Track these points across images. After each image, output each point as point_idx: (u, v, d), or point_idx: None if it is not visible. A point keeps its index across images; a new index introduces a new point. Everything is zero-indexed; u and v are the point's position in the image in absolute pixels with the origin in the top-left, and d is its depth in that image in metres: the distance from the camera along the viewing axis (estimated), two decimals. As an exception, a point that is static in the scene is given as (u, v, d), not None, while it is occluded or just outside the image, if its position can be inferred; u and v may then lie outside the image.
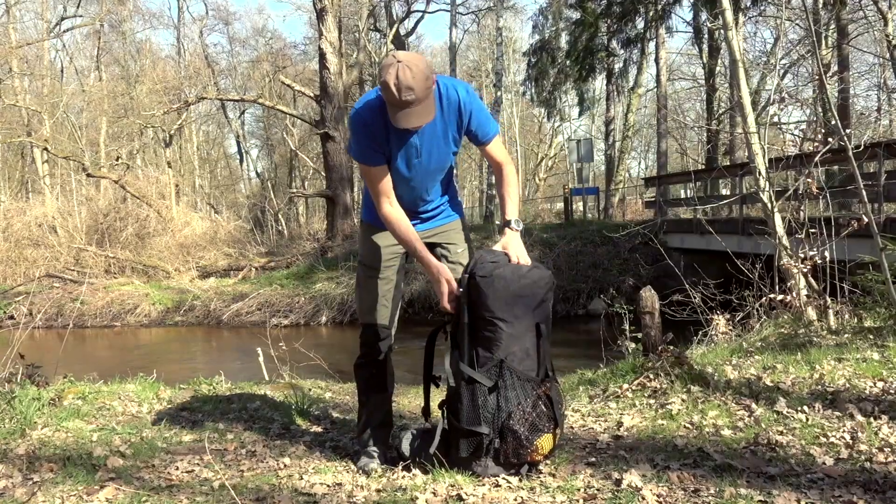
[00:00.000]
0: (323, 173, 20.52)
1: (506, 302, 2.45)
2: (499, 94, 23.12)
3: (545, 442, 2.44)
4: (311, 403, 3.98)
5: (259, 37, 35.06)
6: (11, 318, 6.12)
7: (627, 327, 4.91)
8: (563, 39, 23.80)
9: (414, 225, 2.70)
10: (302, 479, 2.64)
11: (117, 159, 23.45)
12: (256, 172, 37.26)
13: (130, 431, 3.36)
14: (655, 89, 22.28)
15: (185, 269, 17.54)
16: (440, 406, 2.66)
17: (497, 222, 17.56)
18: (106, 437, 3.25)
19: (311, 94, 18.65)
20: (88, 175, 20.70)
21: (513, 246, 2.56)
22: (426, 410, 2.77)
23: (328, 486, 2.54)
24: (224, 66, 32.86)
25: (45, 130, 22.22)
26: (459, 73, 26.67)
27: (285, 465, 2.84)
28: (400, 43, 24.57)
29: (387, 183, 2.57)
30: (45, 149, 21.44)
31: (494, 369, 2.44)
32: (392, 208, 2.58)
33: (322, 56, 17.51)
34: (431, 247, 2.75)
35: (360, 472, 2.68)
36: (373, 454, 2.78)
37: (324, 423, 3.58)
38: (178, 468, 2.81)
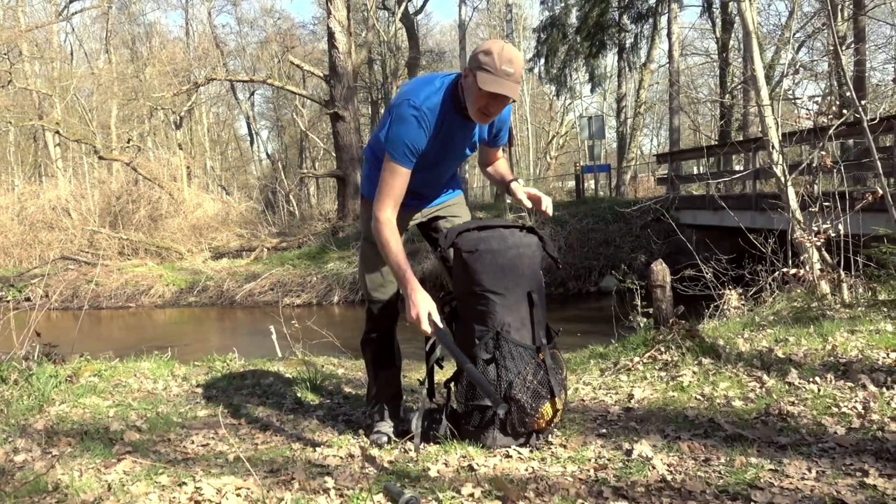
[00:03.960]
0: (333, 153, 20.50)
1: (495, 275, 2.47)
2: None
3: (549, 408, 2.45)
4: (324, 379, 4.01)
5: (267, 17, 34.91)
6: (28, 299, 6.18)
7: (639, 303, 4.90)
8: (574, 15, 23.52)
9: (421, 204, 2.74)
10: (315, 451, 2.67)
11: (128, 142, 23.51)
12: (267, 154, 37.32)
13: (146, 407, 3.41)
14: (668, 65, 21.99)
15: (197, 250, 17.67)
16: (445, 385, 2.69)
17: (507, 201, 17.51)
18: (122, 413, 3.29)
19: (321, 74, 18.58)
20: (100, 158, 20.81)
21: (532, 190, 2.68)
22: (431, 391, 2.78)
23: (341, 458, 2.57)
24: (233, 48, 32.82)
25: (57, 114, 22.30)
26: (469, 51, 26.46)
27: (299, 439, 2.87)
28: (409, 21, 24.36)
29: (403, 189, 2.48)
30: (57, 132, 21.54)
31: (491, 342, 2.46)
32: (392, 216, 2.47)
33: (331, 35, 17.41)
34: (436, 220, 2.80)
35: (373, 444, 2.71)
36: (384, 427, 2.80)
37: (336, 397, 3.61)
38: (193, 442, 2.85)
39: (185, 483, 2.28)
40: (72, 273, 15.46)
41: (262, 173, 35.77)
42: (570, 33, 23.38)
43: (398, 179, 2.46)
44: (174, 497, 2.17)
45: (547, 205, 2.64)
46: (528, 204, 2.68)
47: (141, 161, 21.11)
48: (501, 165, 2.84)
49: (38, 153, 28.44)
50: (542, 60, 24.54)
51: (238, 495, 2.16)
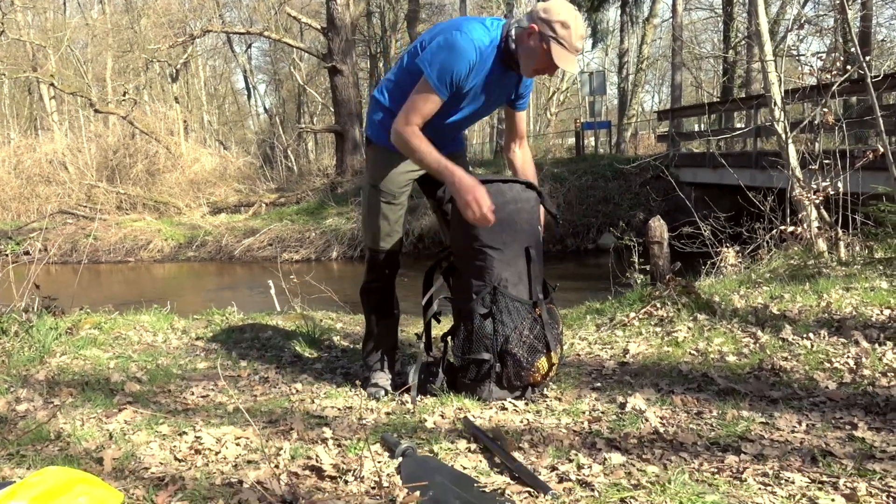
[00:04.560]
0: (331, 108, 20.29)
1: (493, 230, 2.46)
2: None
3: (544, 363, 2.48)
4: (322, 333, 4.04)
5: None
6: (27, 253, 6.19)
7: (636, 259, 4.91)
8: (578, -33, 23.00)
9: (440, 151, 2.71)
10: (314, 402, 2.70)
11: (124, 94, 23.23)
12: (265, 108, 36.90)
13: (146, 359, 3.44)
14: (671, 19, 21.62)
15: (195, 205, 17.62)
16: (442, 338, 2.71)
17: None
18: (123, 365, 3.33)
19: (318, 27, 18.25)
20: (96, 111, 20.58)
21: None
22: (428, 345, 2.80)
23: (339, 409, 2.61)
24: (229, -1, 32.11)
25: (51, 65, 21.99)
26: (470, 3, 25.92)
27: (297, 391, 2.91)
28: (408, -28, 23.83)
29: (430, 115, 2.45)
30: (52, 84, 21.27)
31: (488, 296, 2.47)
32: (417, 130, 2.45)
33: (328, -14, 17.06)
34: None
35: (370, 398, 2.74)
36: (381, 380, 2.83)
37: (334, 351, 3.65)
38: (193, 393, 2.88)
39: (185, 432, 2.32)
40: (70, 227, 15.44)
41: (259, 128, 35.45)
42: (572, -14, 22.88)
43: (429, 105, 2.41)
44: (175, 446, 2.21)
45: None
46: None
47: (137, 114, 20.88)
48: (528, 163, 2.79)
49: (34, 106, 28.12)
50: (544, 14, 24.01)
51: (237, 444, 2.19)
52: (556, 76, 35.68)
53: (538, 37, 2.33)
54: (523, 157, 2.80)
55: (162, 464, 2.06)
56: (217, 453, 2.13)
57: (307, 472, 1.95)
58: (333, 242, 14.22)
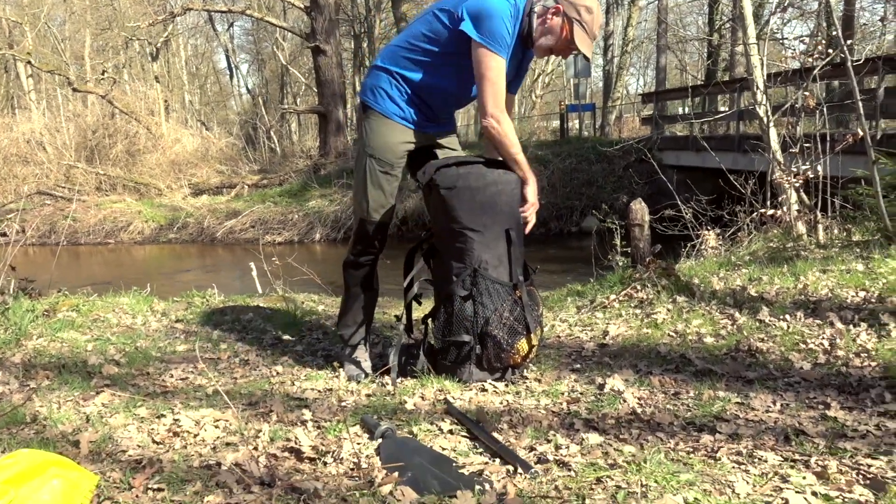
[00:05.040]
0: (315, 89, 20.08)
1: (473, 212, 2.46)
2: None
3: (524, 344, 2.49)
4: (304, 315, 4.03)
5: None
6: (4, 234, 6.10)
7: (618, 242, 4.93)
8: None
9: (432, 127, 2.71)
10: (294, 385, 2.70)
11: (103, 73, 22.82)
12: (247, 88, 36.47)
13: (125, 342, 3.42)
14: (656, 1, 21.58)
15: (176, 186, 17.43)
16: (423, 321, 2.71)
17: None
18: (101, 347, 3.30)
19: (301, 6, 18.00)
20: (74, 90, 20.21)
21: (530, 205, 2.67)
22: (409, 327, 2.80)
23: (319, 391, 2.61)
24: (210, -24, 31.56)
25: (28, 43, 21.54)
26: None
27: (277, 373, 2.90)
28: (392, -49, 23.54)
29: (504, 85, 2.48)
30: (29, 62, 20.83)
31: (468, 279, 2.47)
32: (507, 115, 2.52)
33: (311, -36, 16.82)
34: (438, 146, 2.75)
35: (350, 380, 2.73)
36: (361, 361, 2.83)
37: (316, 333, 3.64)
38: (172, 376, 2.87)
39: (163, 415, 2.31)
40: (48, 208, 15.23)
41: (242, 108, 35.04)
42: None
43: (502, 74, 2.44)
44: (153, 428, 2.19)
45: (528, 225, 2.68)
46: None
47: (117, 94, 20.51)
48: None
49: (10, 84, 27.57)
50: (529, -5, 23.88)
51: (216, 427, 2.19)
52: (544, 59, 35.61)
53: (563, 17, 2.39)
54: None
55: (139, 447, 2.05)
56: (195, 436, 2.12)
57: (286, 454, 1.95)
58: (316, 225, 14.14)
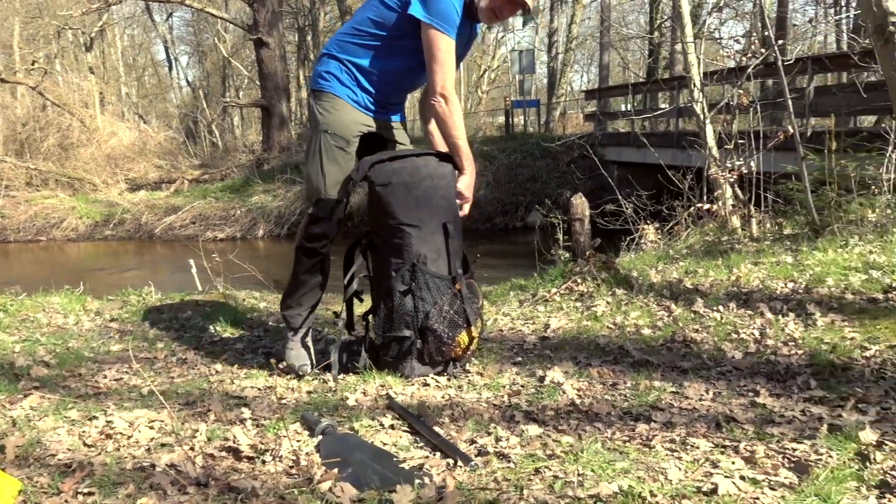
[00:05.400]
0: (258, 82, 19.72)
1: (409, 207, 2.46)
2: (440, 1, 22.34)
3: (465, 337, 2.50)
4: (245, 312, 3.96)
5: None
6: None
7: (561, 236, 5.01)
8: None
9: (389, 114, 2.71)
10: (233, 383, 2.65)
11: (33, 63, 21.92)
12: (187, 81, 35.56)
13: (55, 342, 3.29)
14: (599, 0, 21.93)
15: (113, 181, 16.88)
16: (363, 317, 2.69)
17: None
18: (29, 349, 3.17)
19: (243, -3, 17.65)
20: (2, 80, 19.34)
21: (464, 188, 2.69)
22: (349, 324, 2.78)
23: (259, 389, 2.57)
24: (147, -36, 30.62)
25: (-50, 31, 20.51)
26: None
27: (217, 371, 2.84)
28: (336, -57, 23.28)
29: (453, 65, 2.50)
30: (-48, 51, 19.86)
31: (407, 273, 2.47)
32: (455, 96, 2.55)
33: (252, -45, 16.49)
34: (387, 139, 2.74)
35: (294, 374, 2.68)
36: (305, 353, 2.77)
37: (257, 330, 3.58)
38: (105, 377, 2.78)
39: (95, 417, 2.23)
40: (-25, 204, 14.57)
41: (182, 101, 34.16)
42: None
43: (451, 54, 2.46)
44: (84, 431, 2.12)
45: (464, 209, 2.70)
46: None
47: (48, 85, 19.74)
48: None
49: (-68, 74, 26.22)
50: (474, -9, 23.97)
51: (151, 428, 2.13)
52: (487, 53, 35.78)
53: None
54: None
55: (70, 450, 1.98)
56: (129, 437, 2.06)
57: (223, 454, 1.91)
58: (260, 220, 13.91)
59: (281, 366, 2.71)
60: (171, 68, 35.87)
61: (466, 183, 2.63)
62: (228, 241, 13.17)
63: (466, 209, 2.67)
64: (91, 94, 21.13)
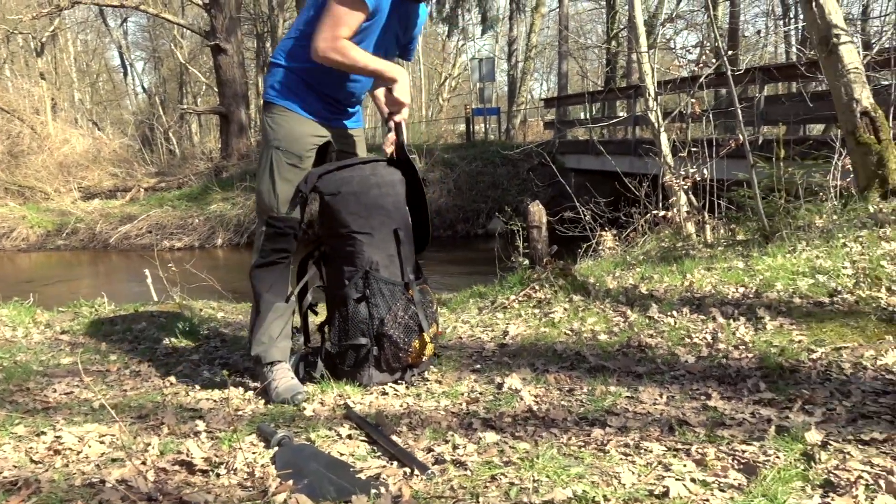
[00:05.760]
0: (216, 89, 19.47)
1: (360, 215, 2.46)
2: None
3: (421, 342, 2.51)
4: (202, 323, 3.90)
5: (139, -63, 32.10)
6: None
7: (521, 244, 5.05)
8: (467, -47, 23.18)
9: (338, 120, 2.63)
10: (188, 395, 2.61)
11: (-19, 69, 21.31)
12: (143, 87, 34.99)
13: (2, 356, 3.20)
14: (558, 9, 22.23)
15: (65, 190, 16.48)
16: (319, 328, 2.67)
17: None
18: (-26, 363, 3.07)
19: (201, 3, 17.43)
20: (-52, 86, 18.76)
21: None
22: (306, 335, 2.75)
23: (215, 401, 2.53)
24: (101, -32, 30.04)
25: None
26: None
27: (171, 384, 2.79)
28: (295, -50, 23.17)
29: (352, 30, 2.37)
30: None
31: (361, 281, 2.46)
32: (348, 40, 2.39)
33: (210, -40, 16.30)
34: (343, 149, 2.67)
35: (292, 404, 2.40)
36: (292, 378, 2.55)
37: (213, 341, 3.53)
38: (55, 390, 2.71)
39: (44, 432, 2.17)
40: (-81, 214, 14.07)
41: (138, 108, 33.57)
42: (462, -28, 23.07)
43: (354, 17, 2.34)
44: (31, 447, 2.06)
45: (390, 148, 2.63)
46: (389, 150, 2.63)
47: (-3, 91, 19.22)
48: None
49: None
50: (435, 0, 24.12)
51: (101, 443, 2.08)
52: (448, 61, 35.93)
53: None
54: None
55: (16, 467, 1.92)
56: (79, 453, 2.01)
57: (176, 468, 1.88)
58: (218, 229, 13.72)
59: (271, 405, 2.45)
60: (126, 74, 35.28)
61: (400, 88, 2.48)
62: (186, 251, 12.96)
63: (405, 113, 2.56)
64: (42, 101, 20.62)
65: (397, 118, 2.56)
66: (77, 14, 28.92)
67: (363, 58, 2.40)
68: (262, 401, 2.50)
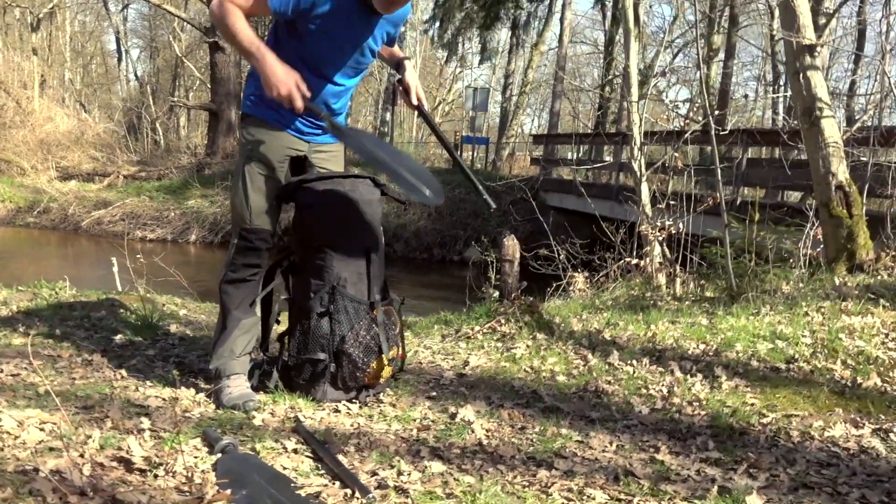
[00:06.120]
0: (209, 85, 19.41)
1: (333, 229, 2.45)
2: (402, 29, 22.61)
3: (379, 364, 2.49)
4: (162, 318, 3.85)
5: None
6: None
7: (493, 275, 5.07)
8: (474, -17, 23.51)
9: (313, 133, 2.56)
10: (137, 390, 2.56)
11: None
12: (136, 75, 34.72)
13: (-48, 329, 3.12)
14: (557, 49, 22.58)
15: (43, 167, 16.25)
16: (279, 338, 2.65)
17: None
18: (-79, 333, 3.00)
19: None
20: (-63, 49, 18.50)
21: (413, 80, 2.66)
22: (265, 344, 2.72)
23: (164, 399, 2.48)
24: (108, -48, 30.04)
25: None
26: None
27: (122, 377, 2.74)
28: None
29: (254, 10, 2.32)
30: None
31: (326, 296, 2.45)
32: (237, 7, 2.30)
33: (219, -42, 16.34)
34: (317, 161, 2.61)
35: (244, 411, 2.38)
36: (245, 383, 2.53)
37: (172, 338, 3.48)
38: (1, 371, 2.64)
39: (-18, 413, 2.12)
40: None
41: (128, 95, 33.27)
42: (467, 1, 23.37)
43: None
44: (-34, 428, 2.01)
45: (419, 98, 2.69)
46: (415, 103, 2.68)
47: (-14, 60, 18.99)
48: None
49: None
50: (437, 24, 24.40)
51: (41, 429, 2.03)
52: (443, 86, 36.25)
53: None
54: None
55: (-53, 446, 1.87)
56: (16, 438, 1.96)
57: (114, 464, 1.84)
58: (193, 225, 13.59)
59: (220, 410, 2.42)
60: (120, 60, 35.03)
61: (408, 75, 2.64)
62: (158, 243, 12.81)
63: (418, 93, 2.69)
64: (32, 76, 20.38)
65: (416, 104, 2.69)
66: (79, -6, 28.80)
67: (238, 30, 2.30)
68: (213, 405, 2.47)
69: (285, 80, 2.29)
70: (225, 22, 2.30)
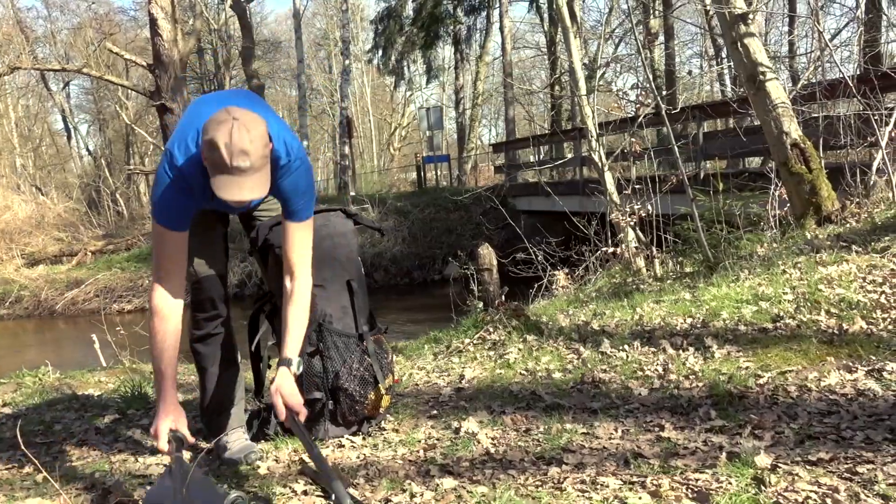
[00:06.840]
0: (162, 148, 19.30)
1: (312, 267, 2.42)
2: (347, 62, 22.70)
3: (376, 394, 2.48)
4: (152, 386, 3.79)
5: (81, 1, 32.07)
6: None
7: (476, 287, 5.09)
8: (410, 6, 23.77)
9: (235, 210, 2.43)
10: (137, 461, 2.52)
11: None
12: (88, 150, 34.47)
13: (-62, 434, 3.05)
14: (501, 57, 22.83)
15: (7, 257, 15.97)
16: (272, 383, 2.62)
17: (351, 193, 17.42)
18: None
19: (144, 64, 17.33)
20: None
21: (285, 389, 2.06)
22: (258, 392, 2.69)
23: (166, 464, 2.44)
24: (41, 34, 29.86)
25: None
26: (306, 41, 25.89)
27: (119, 451, 2.70)
28: (240, 9, 23.38)
29: (178, 260, 2.10)
30: None
31: (314, 334, 2.44)
32: (165, 302, 2.09)
33: (153, 22, 16.13)
34: (255, 213, 2.51)
35: (246, 460, 2.34)
36: (244, 436, 2.50)
37: (164, 404, 3.42)
38: (-5, 467, 2.59)
39: (-19, 512, 2.07)
40: None
41: (83, 171, 32.97)
42: (406, 24, 23.61)
43: (170, 244, 2.06)
44: (-32, 528, 1.97)
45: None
46: (281, 417, 2.07)
47: (-66, 159, 18.71)
48: (293, 309, 2.16)
49: None
50: (380, 52, 24.60)
51: (45, 517, 1.99)
52: (397, 111, 36.44)
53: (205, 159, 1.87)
54: (292, 308, 2.16)
55: (-49, 550, 1.83)
56: (20, 530, 1.92)
57: (124, 538, 1.81)
58: (170, 289, 13.44)
59: (224, 466, 2.36)
60: (70, 137, 34.71)
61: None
62: (136, 313, 12.64)
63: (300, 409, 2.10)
64: (-18, 168, 20.12)
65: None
66: (17, 79, 28.52)
67: (153, 347, 2.11)
68: (217, 462, 2.44)
69: (160, 427, 2.01)
70: (150, 331, 2.12)
